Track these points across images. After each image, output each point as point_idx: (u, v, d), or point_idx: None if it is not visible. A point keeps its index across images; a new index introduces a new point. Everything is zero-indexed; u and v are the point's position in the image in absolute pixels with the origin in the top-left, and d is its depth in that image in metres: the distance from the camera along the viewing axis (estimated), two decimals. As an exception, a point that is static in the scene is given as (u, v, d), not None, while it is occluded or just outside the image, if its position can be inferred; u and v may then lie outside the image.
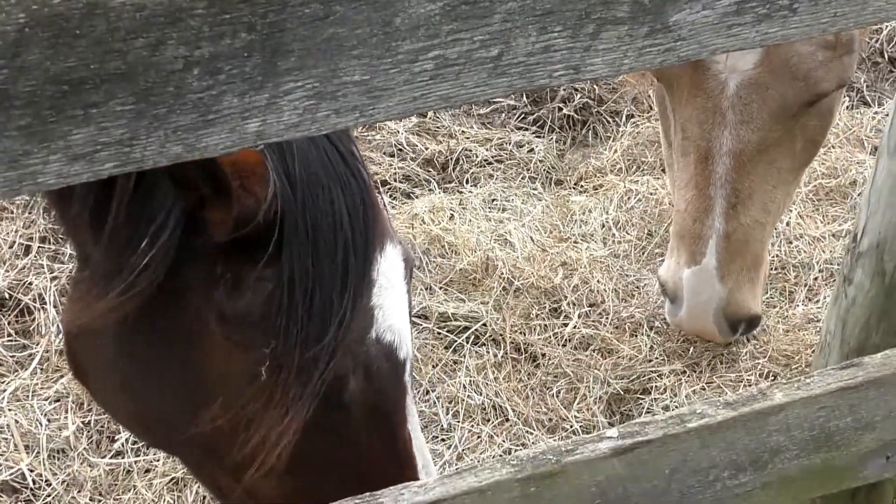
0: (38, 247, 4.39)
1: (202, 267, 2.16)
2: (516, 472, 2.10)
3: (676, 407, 3.80)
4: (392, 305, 2.32)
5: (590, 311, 4.17)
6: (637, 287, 4.31)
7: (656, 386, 3.88)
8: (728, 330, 3.65)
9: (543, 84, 1.56)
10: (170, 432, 2.40)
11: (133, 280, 2.12)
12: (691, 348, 4.05)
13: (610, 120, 5.51)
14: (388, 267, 2.32)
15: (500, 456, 2.47)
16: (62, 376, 3.87)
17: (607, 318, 4.14)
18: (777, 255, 4.45)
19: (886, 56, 5.90)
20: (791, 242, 4.58)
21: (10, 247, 4.36)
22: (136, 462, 3.62)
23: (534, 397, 3.85)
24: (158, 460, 3.62)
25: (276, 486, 2.38)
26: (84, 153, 1.35)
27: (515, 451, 3.65)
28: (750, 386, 3.88)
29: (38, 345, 4.00)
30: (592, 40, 1.54)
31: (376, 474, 2.37)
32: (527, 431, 3.73)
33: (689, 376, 3.93)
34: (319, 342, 2.14)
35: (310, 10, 1.35)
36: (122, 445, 3.66)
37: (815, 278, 4.42)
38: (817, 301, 4.30)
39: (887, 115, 5.30)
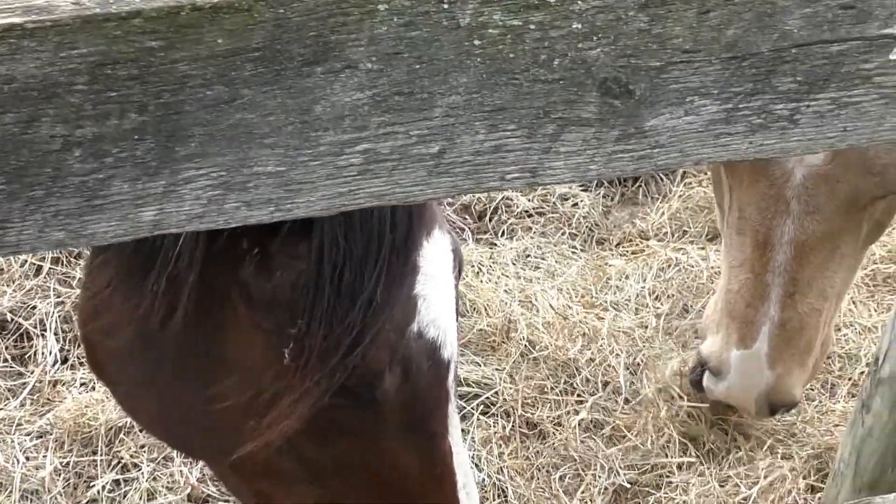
0: (49, 268, 4.27)
1: (229, 245, 1.97)
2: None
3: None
4: (437, 298, 2.09)
5: (604, 390, 3.95)
6: (660, 361, 4.08)
7: (668, 481, 3.64)
8: (766, 412, 3.49)
9: (494, 186, 1.38)
10: (191, 432, 2.22)
11: (169, 271, 1.95)
12: (709, 435, 3.81)
13: (663, 178, 5.29)
14: (435, 255, 2.09)
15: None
16: (50, 410, 3.73)
17: (621, 398, 3.91)
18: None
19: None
20: (839, 330, 4.32)
21: (21, 265, 4.24)
22: (109, 514, 3.46)
23: (538, 479, 3.63)
24: (133, 513, 3.47)
25: (300, 497, 2.20)
26: (-56, 235, 1.19)
27: (509, 536, 3.44)
28: (766, 484, 3.63)
29: (31, 373, 3.86)
30: (552, 142, 1.35)
31: (410, 489, 2.18)
32: (525, 517, 3.52)
33: (701, 470, 3.68)
34: (345, 323, 1.94)
35: (212, 93, 1.17)
36: (98, 493, 3.50)
37: (862, 372, 4.14)
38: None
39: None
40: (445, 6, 1.20)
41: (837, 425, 3.91)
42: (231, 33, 1.14)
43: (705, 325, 3.66)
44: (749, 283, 3.29)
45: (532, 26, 1.24)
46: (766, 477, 3.66)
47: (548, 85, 1.29)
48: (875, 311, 4.45)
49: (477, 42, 1.23)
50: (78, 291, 4.13)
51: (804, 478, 3.62)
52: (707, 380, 3.57)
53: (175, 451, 3.59)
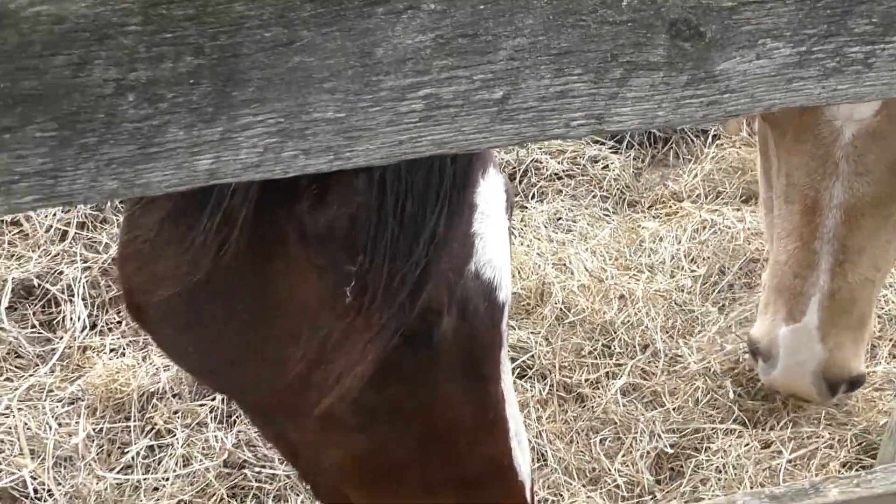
0: (75, 233, 4.23)
1: (285, 180, 1.89)
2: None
3: (729, 468, 3.51)
4: (493, 237, 2.03)
5: (643, 352, 3.89)
6: (698, 325, 4.02)
7: (708, 446, 3.59)
8: (827, 391, 3.30)
9: (559, 134, 1.33)
10: (242, 377, 2.14)
11: (225, 207, 1.89)
12: (749, 401, 3.76)
13: (694, 140, 5.22)
14: (490, 193, 2.04)
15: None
16: (81, 376, 3.69)
17: (660, 362, 3.85)
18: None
19: None
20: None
21: (47, 231, 4.20)
22: (144, 479, 3.42)
23: (577, 443, 3.58)
24: (168, 479, 3.43)
25: (347, 446, 2.13)
26: (-3, 183, 1.15)
27: (552, 502, 3.39)
28: (809, 449, 3.57)
29: (60, 339, 3.82)
30: (619, 87, 1.30)
31: (462, 437, 2.12)
32: (566, 481, 3.46)
33: (742, 435, 3.62)
34: (409, 258, 1.89)
35: (270, 35, 1.12)
36: (133, 459, 3.47)
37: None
38: (897, 361, 3.98)
39: None
40: (512, -58, 1.15)
41: (880, 388, 3.86)
42: (290, -30, 1.09)
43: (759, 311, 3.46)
44: (797, 253, 3.16)
45: (601, -37, 1.19)
46: (808, 446, 3.60)
47: (616, 27, 1.24)
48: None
49: (544, -20, 1.18)
50: (104, 256, 4.10)
51: (847, 450, 3.57)
52: (760, 370, 3.44)
53: (210, 417, 3.57)
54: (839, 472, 3.48)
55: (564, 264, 4.24)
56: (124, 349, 3.87)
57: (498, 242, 2.05)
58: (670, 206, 4.74)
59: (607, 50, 1.26)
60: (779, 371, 3.29)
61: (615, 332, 3.94)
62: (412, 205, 1.87)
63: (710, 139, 5.21)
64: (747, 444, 3.58)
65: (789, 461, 3.53)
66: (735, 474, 3.48)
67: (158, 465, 3.45)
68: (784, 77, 1.36)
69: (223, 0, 1.09)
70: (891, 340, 4.09)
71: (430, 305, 1.95)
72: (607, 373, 3.81)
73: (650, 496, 3.46)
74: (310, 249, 1.93)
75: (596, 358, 3.86)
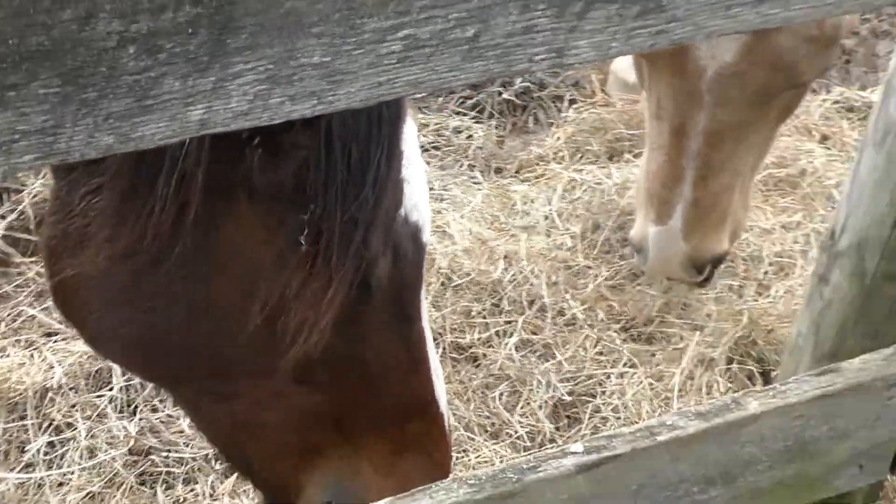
0: None
1: (232, 139, 1.87)
2: (474, 492, 1.94)
3: (625, 408, 3.66)
4: (417, 181, 2.13)
5: (531, 308, 4.00)
6: (582, 280, 4.15)
7: (602, 390, 3.73)
8: (695, 273, 3.71)
9: (522, 69, 1.39)
10: (190, 347, 2.14)
11: (178, 177, 1.91)
12: (635, 344, 3.91)
13: (552, 105, 5.35)
14: (410, 139, 2.13)
15: (458, 475, 2.28)
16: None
17: (549, 317, 3.97)
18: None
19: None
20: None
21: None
22: (48, 476, 3.39)
23: (475, 400, 3.67)
24: (73, 473, 3.40)
25: (288, 407, 2.19)
26: (-3, 143, 1.16)
27: (458, 459, 3.48)
28: (695, 379, 3.75)
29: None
30: (579, 20, 1.37)
31: (393, 377, 2.20)
32: (469, 437, 3.55)
33: (633, 376, 3.78)
34: (358, 200, 1.96)
35: (264, -20, 1.16)
36: (34, 457, 3.43)
37: (766, 272, 4.29)
38: (768, 296, 4.16)
39: (836, 101, 5.24)
40: None
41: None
42: (284, -83, 1.13)
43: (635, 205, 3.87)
44: (665, 166, 3.50)
45: None
46: (696, 374, 3.77)
47: (578, -39, 1.31)
48: (771, 214, 4.58)
49: (514, -81, 1.24)
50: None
51: (728, 362, 3.82)
52: (636, 260, 3.82)
53: (111, 407, 3.54)
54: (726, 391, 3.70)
55: (444, 231, 4.32)
56: (7, 349, 3.80)
57: (421, 186, 2.13)
58: (537, 170, 4.85)
59: (569, -16, 1.33)
60: (650, 263, 3.68)
61: (503, 291, 4.04)
62: (357, 150, 1.92)
63: (566, 104, 5.34)
64: (640, 383, 3.73)
65: (680, 391, 3.70)
66: (634, 411, 3.63)
67: (61, 460, 3.42)
68: (723, 4, 1.45)
69: (222, -52, 1.12)
70: (755, 280, 4.28)
71: (370, 251, 2.01)
72: (498, 331, 3.91)
73: (551, 443, 3.57)
74: (264, 207, 1.97)
75: (485, 318, 3.95)
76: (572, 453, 2.04)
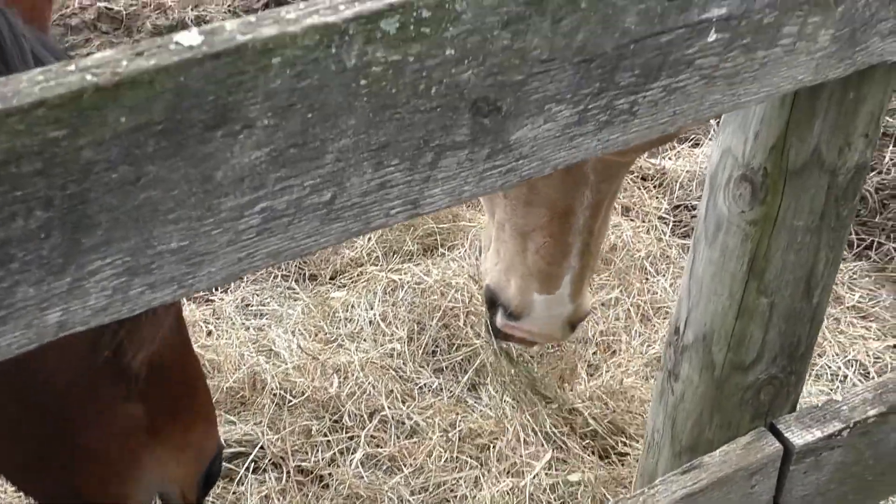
0: None
1: None
2: None
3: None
4: None
5: (372, 421, 3.94)
6: (413, 385, 4.12)
7: (454, 495, 3.69)
8: (569, 331, 3.89)
9: (380, 224, 1.37)
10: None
11: None
12: (486, 445, 3.89)
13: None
14: None
15: None
16: None
17: (391, 426, 3.92)
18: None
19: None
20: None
21: None
22: None
23: (327, 524, 3.59)
24: None
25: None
26: None
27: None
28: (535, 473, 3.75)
29: None
30: (431, 170, 1.36)
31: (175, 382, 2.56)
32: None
33: (479, 477, 3.76)
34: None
35: (118, 175, 1.12)
36: None
37: (594, 353, 4.34)
38: (598, 376, 4.21)
39: (630, 172, 5.37)
40: (333, 51, 1.19)
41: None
42: (133, 109, 1.09)
43: (487, 274, 3.94)
44: (549, 246, 3.62)
45: (411, 58, 1.25)
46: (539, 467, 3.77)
47: (426, 114, 1.30)
48: (590, 293, 4.64)
49: (363, 82, 1.22)
50: None
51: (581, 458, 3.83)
52: (500, 319, 3.87)
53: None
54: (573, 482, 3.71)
55: (270, 349, 4.24)
56: None
57: None
58: (353, 274, 4.81)
59: (420, 136, 1.32)
60: (532, 326, 3.80)
61: (342, 406, 3.97)
62: None
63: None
64: (493, 483, 3.71)
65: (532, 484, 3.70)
66: (494, 511, 3.61)
67: None
68: (567, 136, 1.46)
69: (71, 148, 1.07)
70: (586, 362, 4.33)
71: None
72: (341, 449, 3.84)
73: (409, 558, 3.52)
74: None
75: (326, 435, 3.88)
76: None
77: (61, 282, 1.15)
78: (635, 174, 5.44)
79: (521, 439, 3.89)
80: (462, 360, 4.23)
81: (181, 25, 6.09)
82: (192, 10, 6.22)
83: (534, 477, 3.72)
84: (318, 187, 1.27)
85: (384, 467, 3.80)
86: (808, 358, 2.20)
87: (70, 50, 5.91)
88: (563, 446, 3.91)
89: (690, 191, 5.31)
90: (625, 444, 3.96)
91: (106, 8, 6.26)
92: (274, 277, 4.87)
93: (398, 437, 3.89)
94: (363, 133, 1.26)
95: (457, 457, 3.83)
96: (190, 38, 1.13)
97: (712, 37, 1.51)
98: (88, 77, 1.07)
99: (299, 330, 4.39)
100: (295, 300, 4.68)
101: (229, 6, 6.28)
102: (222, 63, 1.12)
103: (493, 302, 3.91)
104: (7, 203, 1.07)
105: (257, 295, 4.72)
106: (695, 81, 1.54)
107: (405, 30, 1.23)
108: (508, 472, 3.79)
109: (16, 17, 2.05)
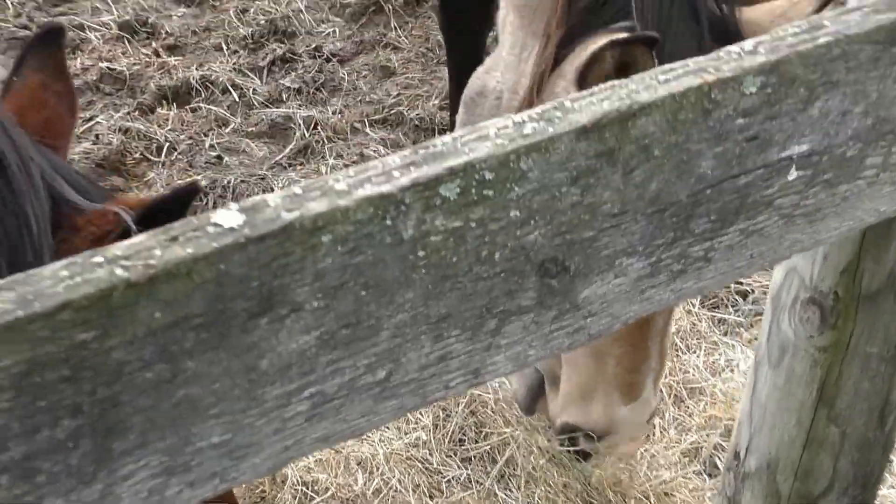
0: None
1: None
2: None
3: None
4: None
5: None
6: (446, 481, 3.97)
7: None
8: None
9: (439, 397, 1.25)
10: None
11: None
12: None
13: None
14: None
15: None
16: None
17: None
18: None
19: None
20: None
21: None
22: None
23: None
24: None
25: None
26: None
27: None
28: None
29: None
30: (493, 337, 1.24)
31: None
32: None
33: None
34: None
35: (152, 374, 0.99)
36: None
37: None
38: (634, 470, 4.05)
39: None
40: (388, 223, 1.07)
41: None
42: (169, 304, 0.97)
43: (560, 412, 3.73)
44: (629, 354, 3.48)
45: (473, 223, 1.13)
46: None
47: (489, 281, 1.18)
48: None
49: (421, 253, 1.10)
50: None
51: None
52: (588, 442, 3.71)
53: None
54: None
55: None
56: None
57: None
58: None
59: (482, 304, 1.19)
60: (633, 433, 3.68)
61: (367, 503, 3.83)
62: None
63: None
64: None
65: None
66: None
67: None
68: (638, 289, 1.34)
69: (101, 350, 0.95)
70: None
71: None
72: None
73: None
74: None
75: (353, 536, 3.74)
76: None
77: (91, 490, 1.03)
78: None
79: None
80: (490, 448, 4.08)
81: (186, 86, 5.96)
82: (196, 69, 6.09)
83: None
84: (373, 366, 1.15)
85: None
86: (878, 485, 2.07)
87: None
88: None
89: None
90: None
91: (108, 68, 6.13)
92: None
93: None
94: (421, 306, 1.14)
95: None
96: (230, 218, 1.01)
97: (793, 175, 1.39)
98: (118, 272, 0.95)
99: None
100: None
101: (234, 65, 6.16)
102: (267, 246, 1.00)
103: (572, 437, 3.77)
104: (30, 415, 0.95)
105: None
106: (774, 222, 1.42)
107: (466, 194, 1.11)
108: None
109: (16, 128, 1.91)
